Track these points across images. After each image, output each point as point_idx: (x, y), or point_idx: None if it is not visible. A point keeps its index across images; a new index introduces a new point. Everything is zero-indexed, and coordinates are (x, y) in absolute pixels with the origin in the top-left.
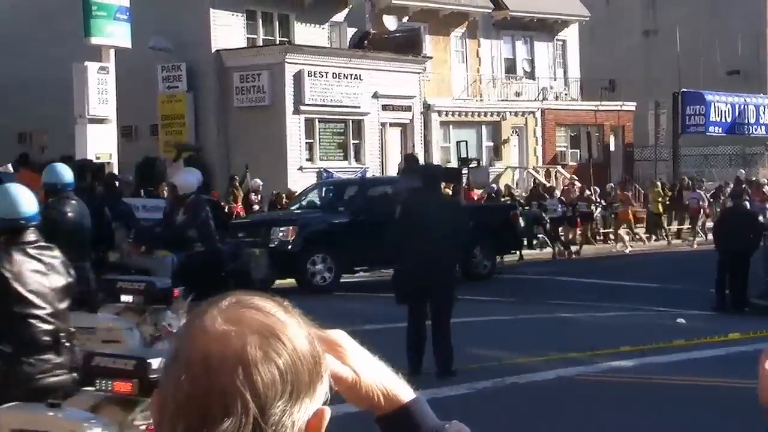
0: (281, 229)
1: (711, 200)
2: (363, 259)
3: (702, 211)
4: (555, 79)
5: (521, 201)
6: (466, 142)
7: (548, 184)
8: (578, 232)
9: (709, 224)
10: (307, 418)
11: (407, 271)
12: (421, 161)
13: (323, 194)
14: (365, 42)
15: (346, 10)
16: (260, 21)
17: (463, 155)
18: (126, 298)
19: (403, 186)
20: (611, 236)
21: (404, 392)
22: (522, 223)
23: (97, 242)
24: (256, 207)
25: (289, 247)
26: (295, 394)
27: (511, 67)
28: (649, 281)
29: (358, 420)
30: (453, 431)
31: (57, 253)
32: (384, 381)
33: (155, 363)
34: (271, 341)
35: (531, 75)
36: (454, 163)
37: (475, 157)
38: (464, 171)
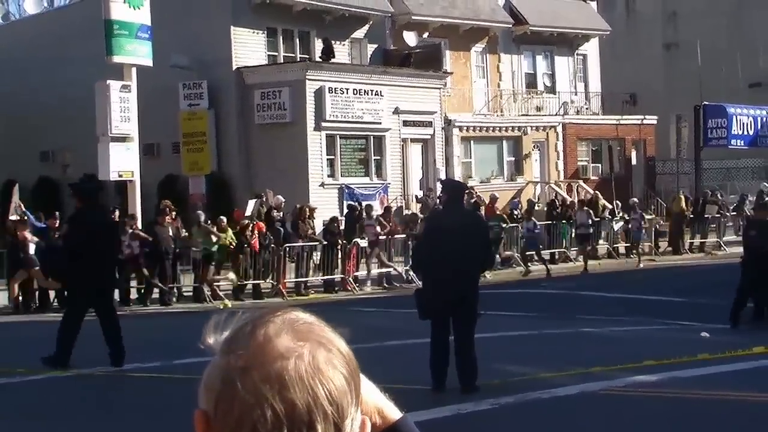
0: None
1: (734, 213)
2: None
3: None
4: (576, 93)
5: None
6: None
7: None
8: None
9: (726, 238)
10: (358, 425)
11: (432, 286)
12: (443, 176)
13: None
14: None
15: (366, 27)
16: (281, 38)
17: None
18: None
19: None
20: (633, 252)
21: (393, 410)
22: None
23: None
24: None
25: None
26: (356, 401)
27: (531, 82)
28: (673, 295)
29: None
30: None
31: None
32: (377, 399)
33: None
34: (334, 352)
35: (552, 89)
36: (475, 179)
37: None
38: None
